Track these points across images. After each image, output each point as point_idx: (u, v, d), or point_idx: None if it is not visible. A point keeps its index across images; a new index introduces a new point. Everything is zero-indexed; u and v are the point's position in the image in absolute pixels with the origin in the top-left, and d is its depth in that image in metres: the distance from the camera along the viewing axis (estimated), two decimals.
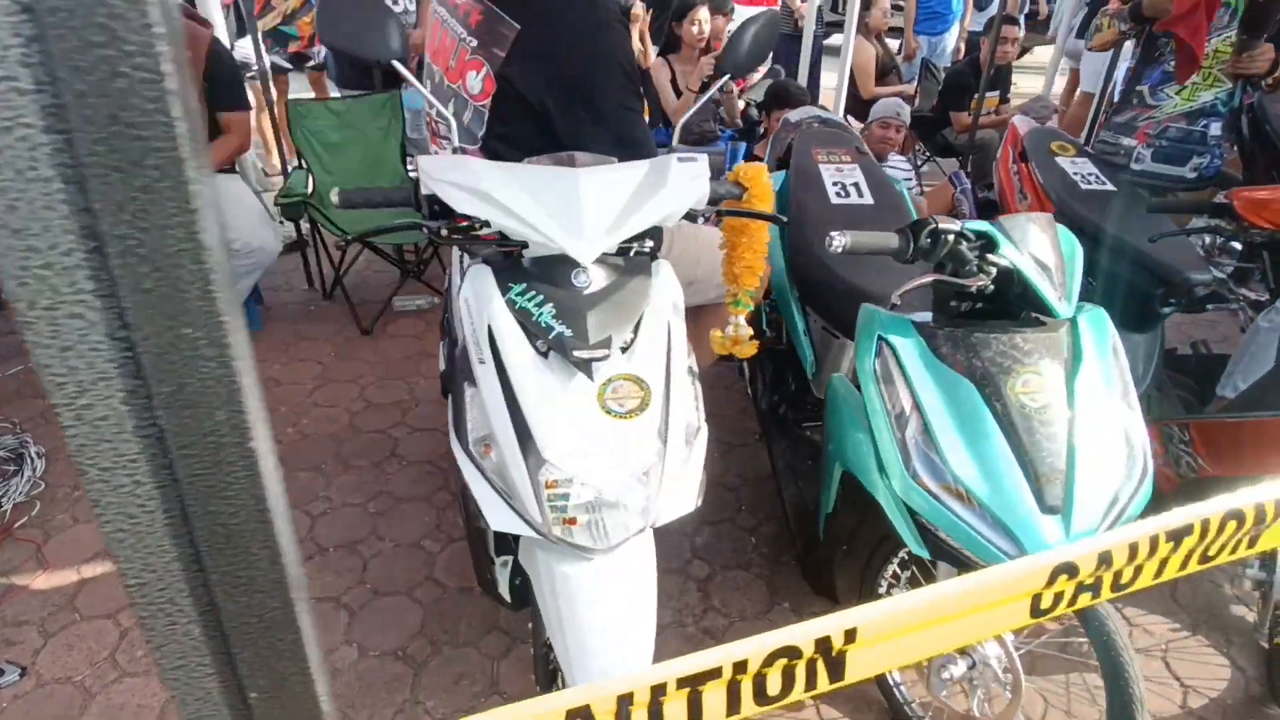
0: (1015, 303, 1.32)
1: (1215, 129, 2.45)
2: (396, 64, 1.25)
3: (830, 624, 0.52)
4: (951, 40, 5.92)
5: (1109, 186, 2.38)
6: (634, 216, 1.19)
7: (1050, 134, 2.63)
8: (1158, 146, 2.51)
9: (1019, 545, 1.17)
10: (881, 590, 1.63)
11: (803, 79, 5.15)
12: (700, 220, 1.30)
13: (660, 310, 1.25)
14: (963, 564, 1.27)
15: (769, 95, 3.87)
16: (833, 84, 5.06)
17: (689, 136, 4.08)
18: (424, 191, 1.20)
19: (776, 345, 2.27)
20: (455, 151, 1.35)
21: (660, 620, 1.92)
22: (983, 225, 1.27)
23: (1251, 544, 0.70)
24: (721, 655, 0.55)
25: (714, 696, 0.60)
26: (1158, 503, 2.02)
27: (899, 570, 1.59)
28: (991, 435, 1.21)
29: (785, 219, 1.37)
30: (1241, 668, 1.87)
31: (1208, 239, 2.88)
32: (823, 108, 3.76)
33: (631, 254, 1.32)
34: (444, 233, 1.17)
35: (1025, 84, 7.16)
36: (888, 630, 0.52)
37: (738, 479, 2.42)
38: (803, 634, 0.51)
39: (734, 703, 0.61)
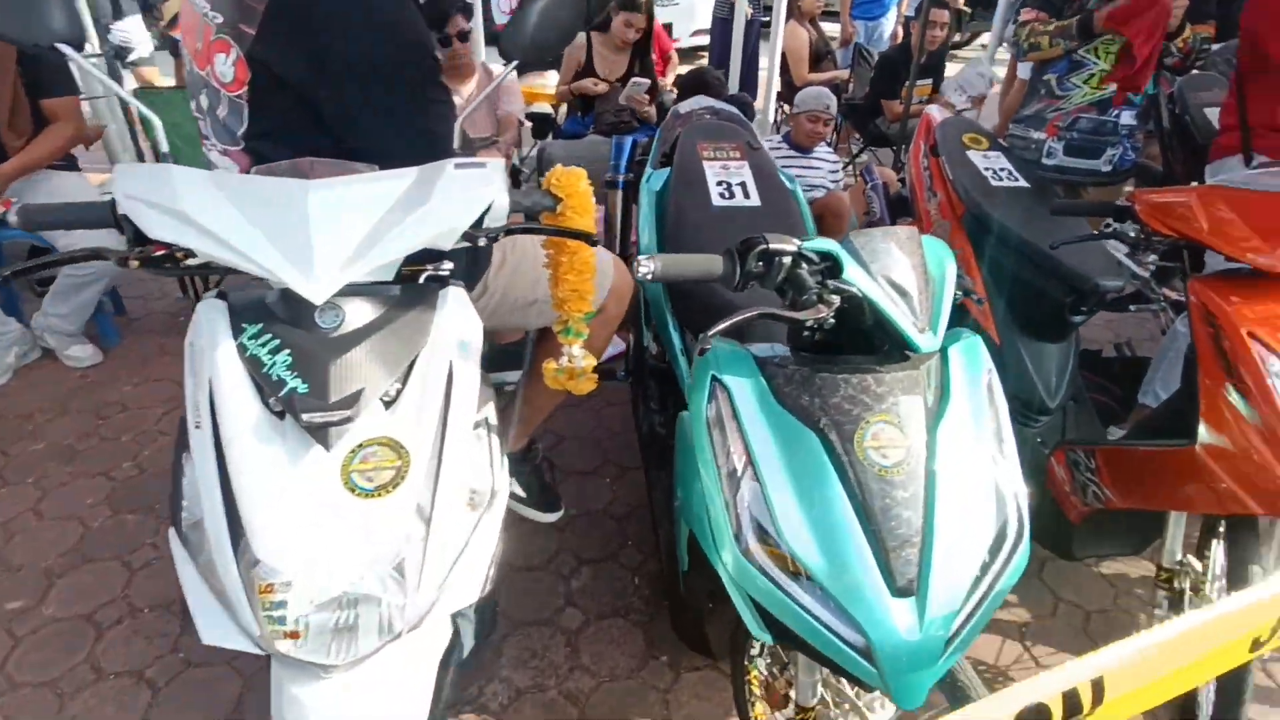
0: (875, 334, 1.11)
1: (1127, 118, 2.29)
2: (65, 49, 0.98)
3: None
4: (889, 25, 5.75)
5: (1021, 183, 2.20)
6: (385, 241, 0.94)
7: (963, 125, 2.44)
8: (1069, 139, 2.34)
9: (865, 635, 0.97)
10: (754, 652, 1.43)
11: (736, 66, 4.93)
12: (482, 241, 1.06)
13: (441, 351, 1.01)
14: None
15: (684, 84, 3.64)
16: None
17: (602, 127, 3.83)
18: (120, 209, 0.94)
19: (660, 364, 2.05)
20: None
21: (517, 684, 1.71)
22: (826, 245, 1.05)
23: None
24: None
25: None
26: (1066, 535, 1.86)
27: None
28: (834, 500, 1.00)
29: (597, 237, 1.14)
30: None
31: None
32: (739, 98, 3.54)
33: (421, 280, 1.09)
34: (134, 264, 0.92)
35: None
36: None
37: (625, 508, 2.20)
38: None
39: None
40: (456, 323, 1.05)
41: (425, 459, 0.95)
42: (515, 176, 3.59)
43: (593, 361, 1.34)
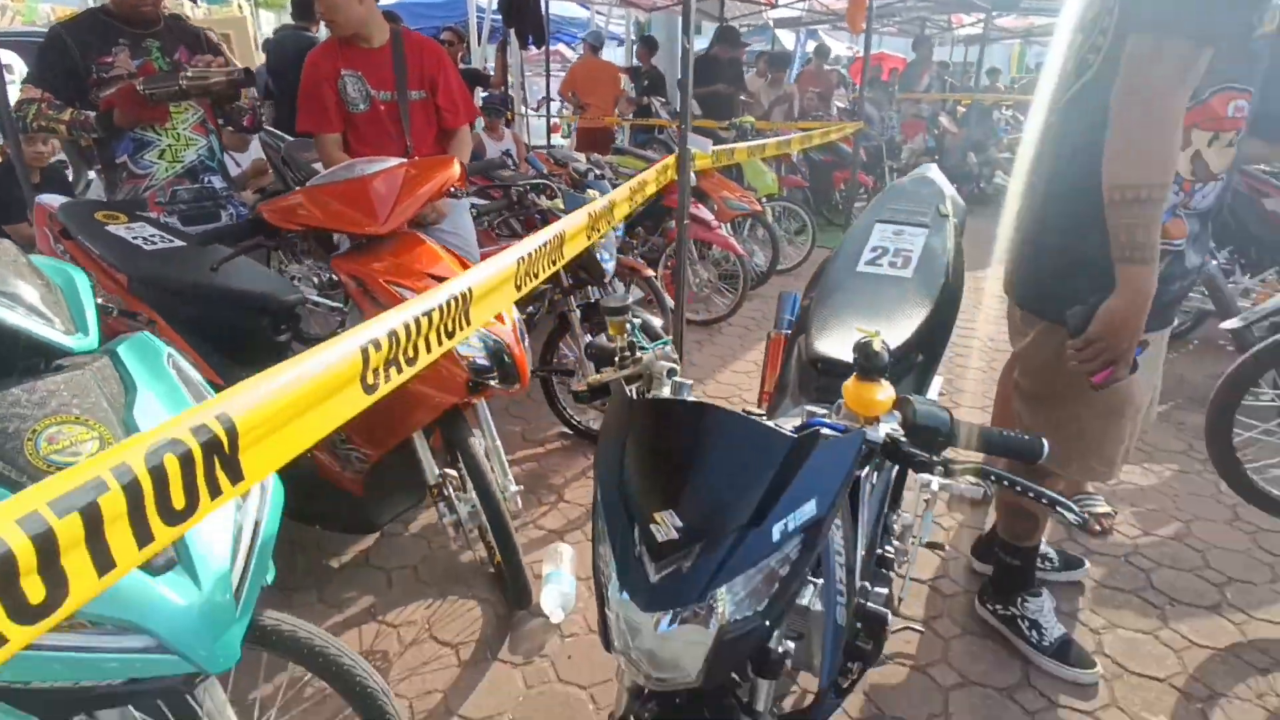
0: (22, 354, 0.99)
1: (218, 182, 2.55)
2: None
3: None
4: None
5: (177, 243, 2.25)
6: None
7: (90, 205, 2.33)
8: (181, 212, 2.48)
9: (146, 630, 0.88)
10: None
11: None
12: None
13: None
14: None
15: None
16: None
17: None
18: None
19: None
20: None
21: None
22: None
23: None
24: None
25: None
26: (361, 509, 2.07)
27: None
28: None
29: None
30: (486, 598, 2.09)
31: None
32: None
33: None
34: None
35: None
36: None
37: None
38: None
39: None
40: None
41: None
42: None
43: None
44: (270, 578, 1.09)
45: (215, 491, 0.53)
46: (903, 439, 0.90)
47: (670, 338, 1.43)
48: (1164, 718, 1.72)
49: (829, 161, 7.54)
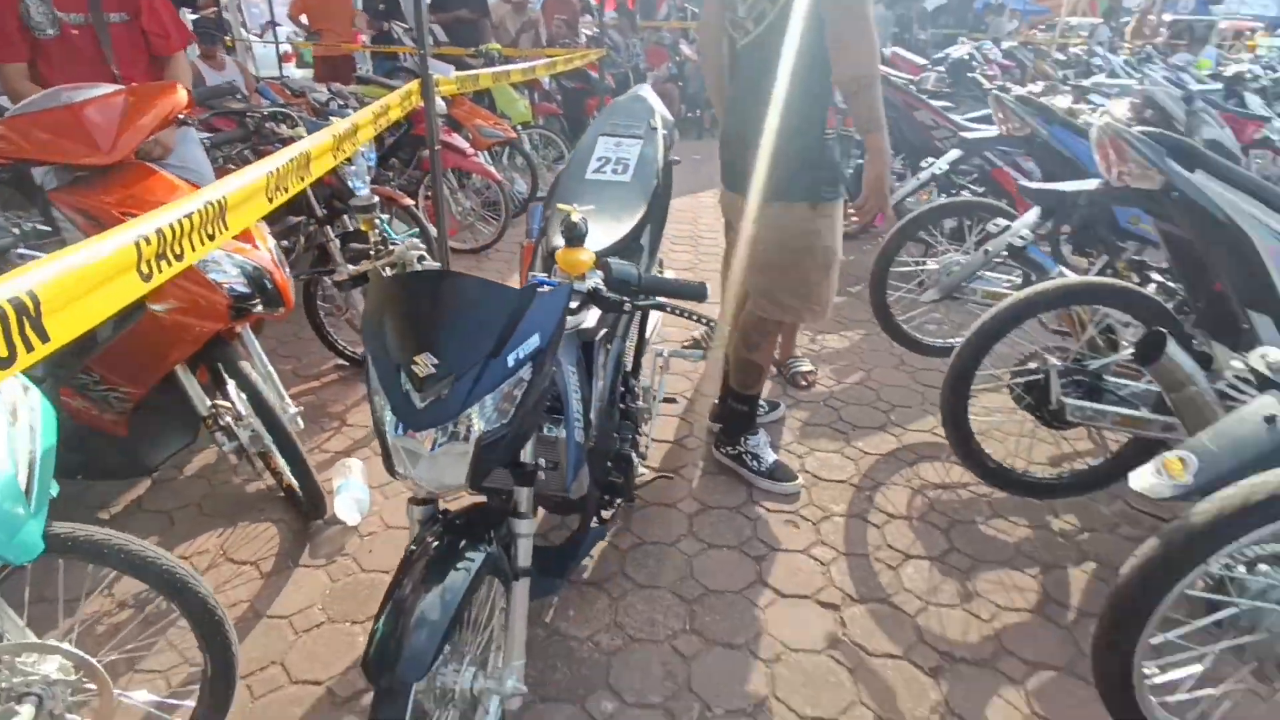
0: None
1: None
2: None
3: None
4: None
5: None
6: None
7: None
8: None
9: None
10: None
11: None
12: None
13: None
14: None
15: None
16: None
17: None
18: None
19: None
20: None
21: None
22: None
23: None
24: None
25: None
26: (123, 451, 2.03)
27: None
28: None
29: None
30: (280, 518, 2.17)
31: None
32: None
33: None
34: None
35: None
36: None
37: None
38: None
39: None
40: None
41: None
42: None
43: None
44: (55, 491, 1.15)
45: (29, 347, 0.65)
46: (603, 289, 1.20)
47: (417, 230, 1.61)
48: (844, 505, 2.30)
49: (581, 89, 7.77)
